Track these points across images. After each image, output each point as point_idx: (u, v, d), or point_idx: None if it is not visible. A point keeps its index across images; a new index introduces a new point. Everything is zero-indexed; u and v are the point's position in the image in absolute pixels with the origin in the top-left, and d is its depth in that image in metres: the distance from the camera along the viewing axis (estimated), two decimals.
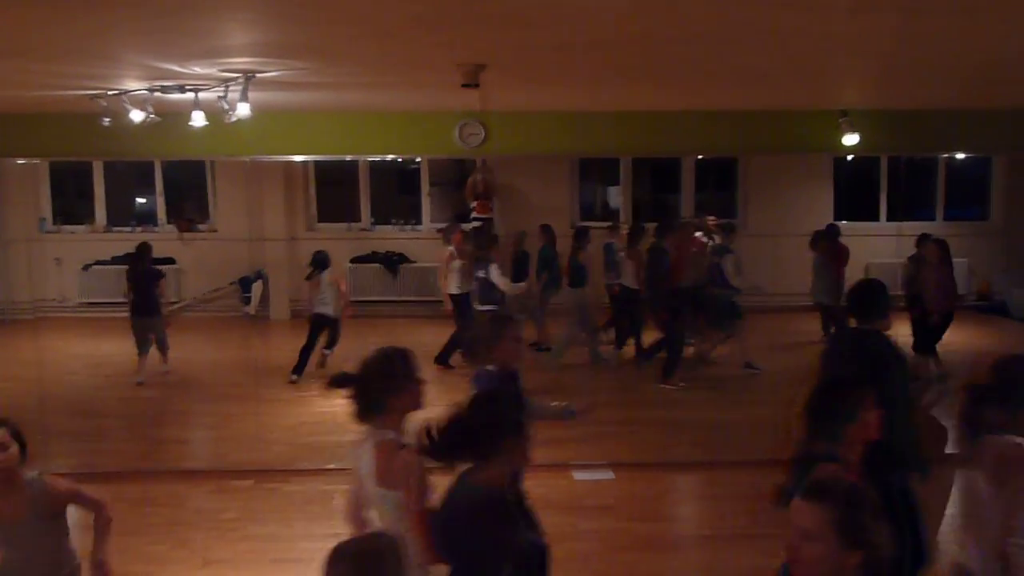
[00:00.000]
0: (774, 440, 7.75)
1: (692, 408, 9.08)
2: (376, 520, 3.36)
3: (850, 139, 8.71)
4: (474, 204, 13.26)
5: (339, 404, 9.50)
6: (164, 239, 14.28)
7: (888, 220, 13.96)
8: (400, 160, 14.51)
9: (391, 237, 14.59)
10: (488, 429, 3.09)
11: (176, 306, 14.13)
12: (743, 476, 6.98)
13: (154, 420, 8.95)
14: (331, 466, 7.60)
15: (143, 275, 10.32)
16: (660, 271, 10.27)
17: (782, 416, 8.17)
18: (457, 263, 10.27)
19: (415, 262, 14.39)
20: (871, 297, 4.67)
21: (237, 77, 5.55)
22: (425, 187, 14.63)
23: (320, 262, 10.35)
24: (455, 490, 3.14)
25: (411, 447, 3.20)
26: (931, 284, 9.37)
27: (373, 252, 14.41)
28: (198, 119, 6.36)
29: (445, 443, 3.06)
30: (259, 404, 9.23)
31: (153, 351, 10.44)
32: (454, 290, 10.26)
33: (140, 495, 7.01)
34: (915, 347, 9.41)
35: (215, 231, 14.38)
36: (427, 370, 10.65)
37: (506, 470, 3.15)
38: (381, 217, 14.89)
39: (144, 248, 10.50)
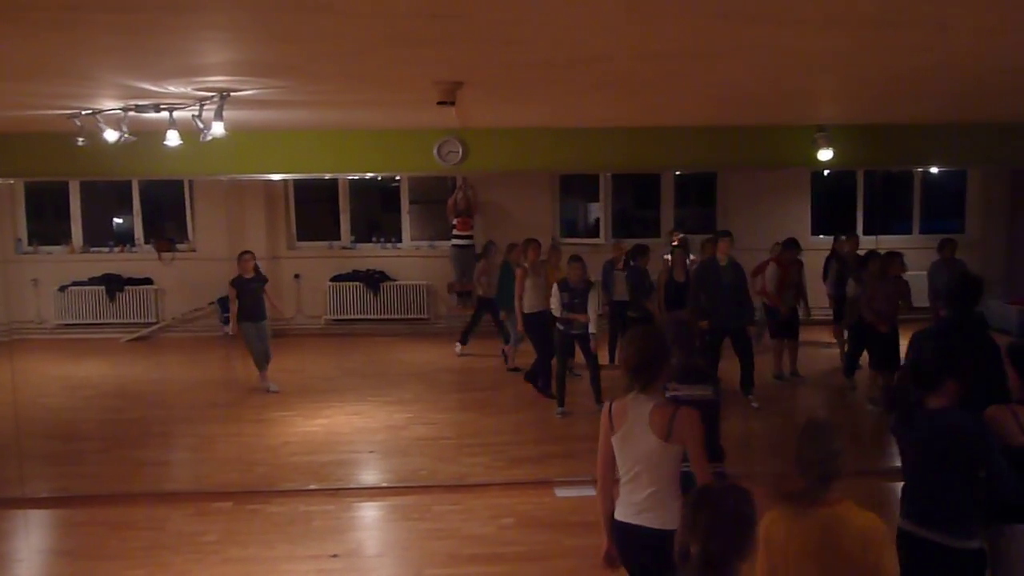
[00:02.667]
0: (760, 453, 7.80)
1: None
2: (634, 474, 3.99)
3: (825, 154, 8.76)
4: (455, 221, 13.28)
5: (320, 424, 9.52)
6: (142, 259, 14.23)
7: (865, 234, 14.03)
8: (380, 178, 14.51)
9: (372, 255, 14.55)
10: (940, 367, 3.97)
11: (155, 327, 14.04)
12: None
13: (133, 442, 8.85)
14: (313, 487, 7.55)
15: (251, 279, 10.26)
16: (643, 288, 10.30)
17: (770, 429, 8.22)
18: (531, 280, 10.08)
19: (396, 280, 14.38)
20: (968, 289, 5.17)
21: (212, 96, 5.51)
22: (405, 205, 14.62)
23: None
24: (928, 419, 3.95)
25: (689, 407, 4.01)
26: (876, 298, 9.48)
27: (354, 270, 14.39)
28: (173, 138, 6.32)
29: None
30: (240, 424, 9.17)
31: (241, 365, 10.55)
32: (528, 309, 10.03)
33: (119, 519, 6.93)
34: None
35: (194, 251, 14.29)
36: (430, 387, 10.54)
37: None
38: (362, 235, 14.86)
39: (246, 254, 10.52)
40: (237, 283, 10.34)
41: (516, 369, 10.87)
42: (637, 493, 3.96)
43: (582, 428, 8.85)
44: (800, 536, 3.08)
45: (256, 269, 10.44)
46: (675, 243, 11.41)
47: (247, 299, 10.25)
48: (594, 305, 9.37)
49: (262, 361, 10.40)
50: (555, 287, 9.40)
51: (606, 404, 4.07)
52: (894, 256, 9.85)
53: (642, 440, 3.90)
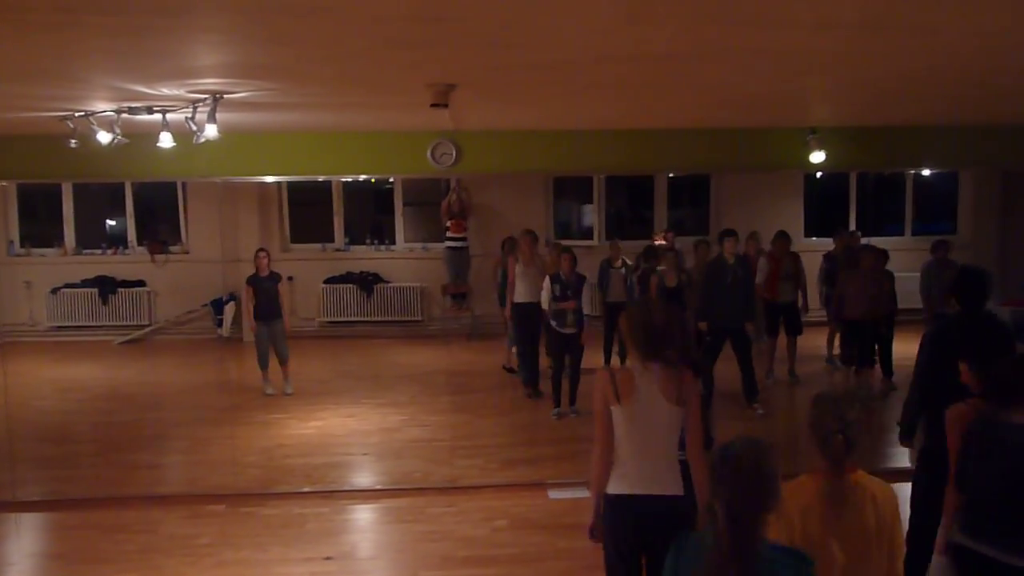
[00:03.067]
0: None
1: None
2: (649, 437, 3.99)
3: (817, 156, 8.79)
4: (449, 223, 13.29)
5: (314, 426, 9.50)
6: (135, 262, 14.21)
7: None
8: (374, 180, 14.51)
9: (365, 257, 14.55)
10: None
11: (148, 329, 14.02)
12: None
13: (126, 445, 8.84)
14: (307, 489, 7.55)
15: (266, 278, 10.23)
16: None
17: (771, 429, 8.22)
18: (522, 269, 10.00)
19: (390, 282, 14.37)
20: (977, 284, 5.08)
21: (205, 98, 5.51)
22: (399, 207, 14.62)
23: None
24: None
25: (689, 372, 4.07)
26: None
27: (347, 272, 14.39)
28: (166, 140, 6.32)
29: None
30: (233, 427, 9.16)
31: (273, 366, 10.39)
32: (518, 298, 10.00)
33: (112, 522, 6.91)
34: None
35: (187, 253, 14.28)
36: (411, 388, 10.56)
37: None
38: (355, 237, 14.86)
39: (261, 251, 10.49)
40: (252, 281, 10.30)
41: (512, 370, 10.86)
42: (647, 464, 3.95)
43: (575, 430, 8.85)
44: (819, 505, 3.10)
45: (270, 267, 10.38)
46: (661, 242, 11.37)
47: (261, 298, 10.20)
48: (587, 298, 9.36)
49: (265, 362, 10.36)
50: (546, 280, 9.36)
51: (605, 372, 4.02)
52: (868, 249, 9.90)
53: (657, 408, 3.92)
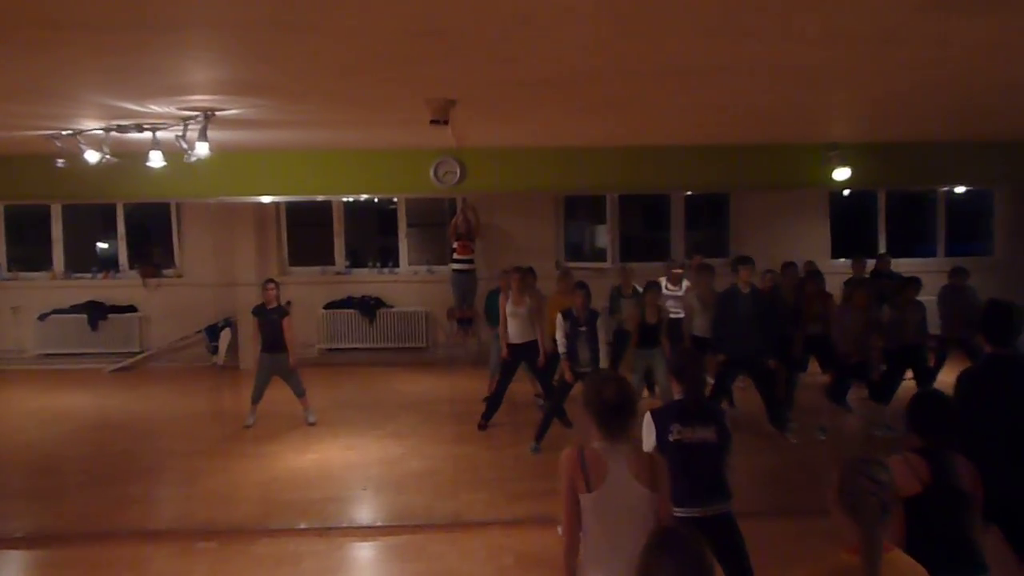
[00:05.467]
0: (774, 490, 7.80)
1: None
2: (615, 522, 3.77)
3: (841, 173, 8.81)
4: (455, 245, 13.35)
5: (311, 459, 9.51)
6: (127, 286, 14.30)
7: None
8: (376, 200, 14.62)
9: (368, 281, 14.62)
10: None
11: (140, 356, 14.10)
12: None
13: (116, 478, 8.87)
14: (302, 525, 7.55)
15: (272, 309, 10.37)
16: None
17: (783, 463, 8.18)
18: (511, 309, 9.98)
19: (393, 307, 14.43)
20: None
21: (196, 115, 5.60)
22: (403, 228, 14.71)
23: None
24: None
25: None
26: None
27: (348, 297, 14.46)
28: (156, 159, 6.41)
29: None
30: (228, 460, 9.19)
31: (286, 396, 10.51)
32: (511, 340, 10.07)
33: (100, 558, 6.93)
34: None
35: (181, 277, 14.39)
36: (413, 416, 10.55)
37: None
38: (357, 260, 14.95)
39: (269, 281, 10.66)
40: (258, 312, 10.41)
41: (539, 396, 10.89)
42: (619, 557, 3.57)
43: None
44: None
45: (278, 300, 10.49)
46: (679, 271, 11.37)
47: (266, 329, 10.32)
48: (602, 336, 9.32)
49: (258, 395, 10.44)
50: (558, 317, 9.34)
51: (574, 451, 3.74)
52: (861, 284, 9.89)
53: (628, 493, 3.68)
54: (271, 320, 10.29)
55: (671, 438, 4.69)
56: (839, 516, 3.03)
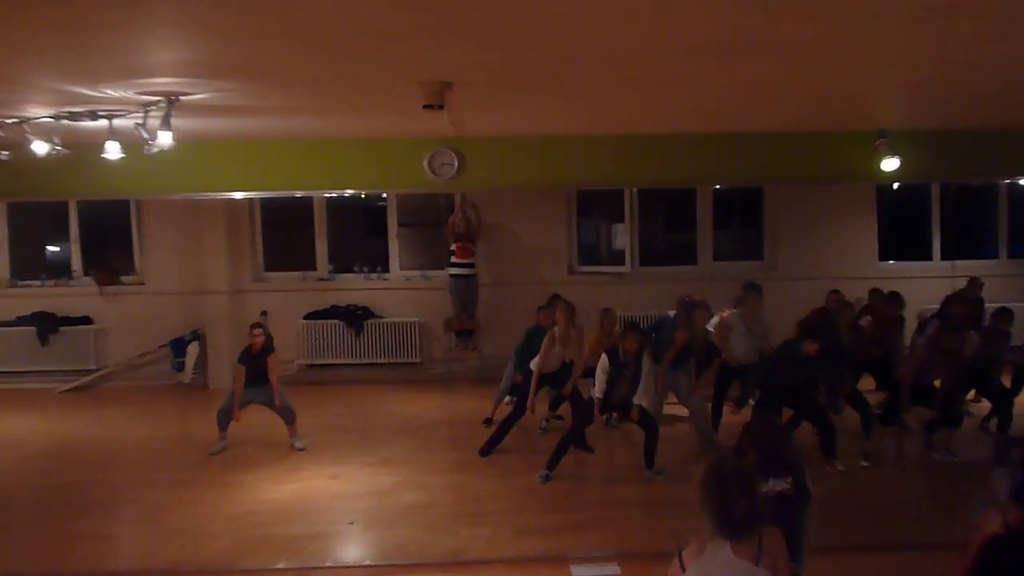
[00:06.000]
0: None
1: None
2: None
3: (889, 164, 8.80)
4: (454, 247, 13.33)
5: (291, 489, 9.48)
6: (81, 295, 14.29)
7: (942, 259, 14.06)
8: (364, 196, 14.61)
9: (354, 288, 14.61)
10: None
11: (96, 374, 14.10)
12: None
13: (68, 512, 8.86)
14: (281, 565, 7.54)
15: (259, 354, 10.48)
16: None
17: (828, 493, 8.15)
18: (557, 347, 9.99)
19: (383, 317, 14.41)
20: None
21: (158, 101, 5.61)
22: (393, 228, 14.70)
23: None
24: None
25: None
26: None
27: (332, 306, 14.43)
28: (112, 150, 6.41)
29: None
30: (195, 490, 9.17)
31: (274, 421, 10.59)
32: (545, 369, 10.07)
33: None
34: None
35: (142, 284, 14.35)
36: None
37: None
38: (342, 264, 14.94)
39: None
40: (244, 359, 10.48)
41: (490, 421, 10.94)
42: None
43: (601, 494, 8.82)
44: None
45: (266, 343, 10.56)
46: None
47: (252, 374, 10.43)
48: (648, 380, 9.43)
49: (227, 419, 10.46)
50: (603, 358, 9.38)
51: (676, 559, 3.89)
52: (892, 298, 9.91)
53: (728, 569, 3.81)
54: (259, 365, 10.38)
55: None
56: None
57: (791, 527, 4.82)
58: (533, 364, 10.03)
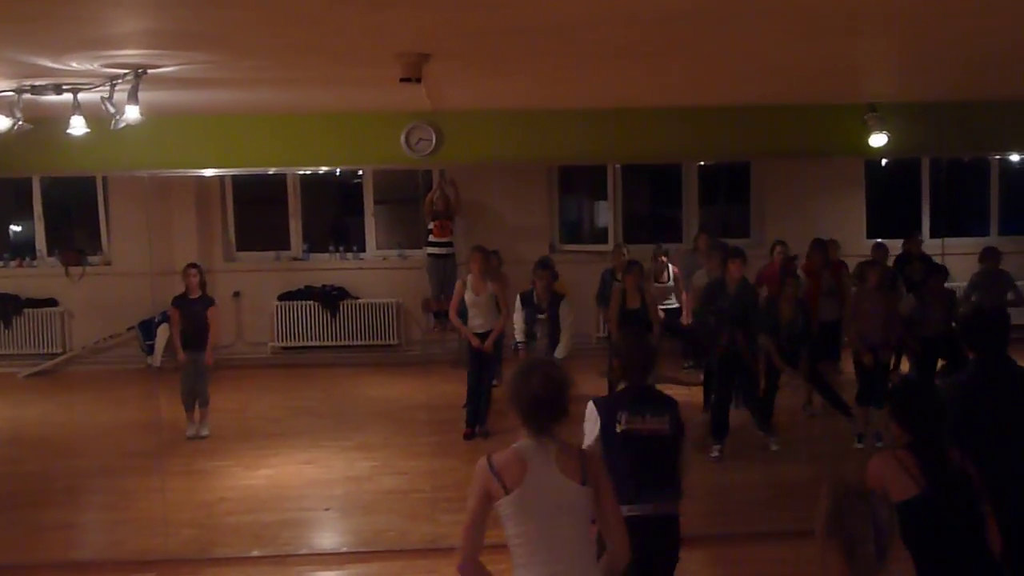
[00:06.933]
0: (792, 507, 7.81)
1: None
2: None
3: (878, 139, 8.83)
4: (432, 225, 13.31)
5: (264, 475, 9.51)
6: (45, 275, 14.21)
7: (932, 236, 14.12)
8: (339, 173, 14.54)
9: (329, 268, 14.57)
10: None
11: (61, 358, 14.03)
12: (759, 551, 7.01)
13: (33, 501, 8.84)
14: (255, 553, 7.56)
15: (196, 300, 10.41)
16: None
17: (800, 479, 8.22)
18: (470, 296, 10.14)
19: (358, 298, 14.38)
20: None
21: (124, 73, 5.56)
22: (369, 206, 14.65)
23: None
24: None
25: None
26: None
27: (307, 286, 14.40)
28: (77, 125, 6.36)
29: None
30: (165, 477, 9.15)
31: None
32: (474, 329, 10.23)
33: None
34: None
35: (109, 264, 14.30)
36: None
37: None
38: (316, 244, 14.89)
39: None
40: (179, 303, 10.39)
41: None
42: (554, 558, 3.82)
43: None
44: None
45: (203, 288, 10.48)
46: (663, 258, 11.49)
47: (188, 323, 10.31)
48: (567, 324, 9.53)
49: (191, 400, 10.44)
50: (516, 301, 9.51)
51: (483, 460, 3.91)
52: (872, 265, 9.93)
53: (554, 489, 3.83)
54: (195, 312, 10.31)
55: (618, 428, 4.83)
56: (829, 554, 3.05)
57: (671, 466, 4.95)
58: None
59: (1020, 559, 4.69)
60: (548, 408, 3.84)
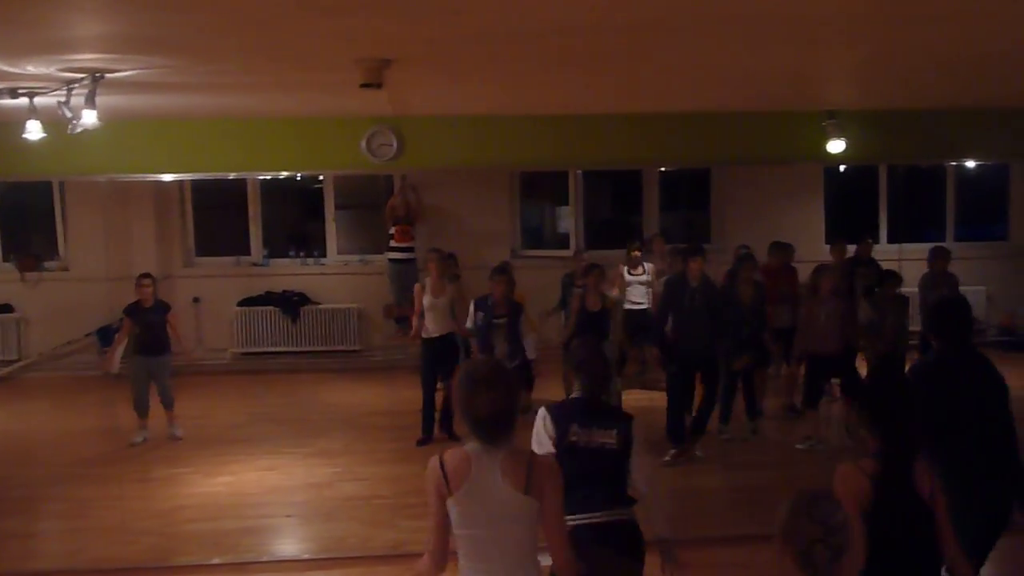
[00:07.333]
0: (759, 510, 7.87)
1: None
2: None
3: (835, 146, 8.92)
4: (393, 231, 13.30)
5: (224, 482, 9.45)
6: (1, 281, 14.07)
7: (889, 241, 14.31)
8: (300, 178, 14.49)
9: (289, 273, 14.53)
10: None
11: (16, 365, 13.87)
12: (716, 555, 7.05)
13: None
14: (215, 560, 7.51)
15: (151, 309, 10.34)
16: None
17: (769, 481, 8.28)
18: (428, 299, 10.06)
19: (319, 303, 14.35)
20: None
21: (82, 78, 5.52)
22: (330, 211, 14.61)
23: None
24: None
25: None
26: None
27: (267, 292, 14.35)
28: (34, 130, 6.31)
29: None
30: (123, 485, 9.09)
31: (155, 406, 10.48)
32: (427, 333, 10.21)
33: None
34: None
35: (66, 270, 14.17)
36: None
37: None
38: (276, 249, 14.83)
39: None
40: (133, 312, 10.32)
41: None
42: (489, 567, 3.83)
43: None
44: None
45: (156, 296, 10.43)
46: (636, 254, 11.56)
47: (145, 333, 10.26)
48: (530, 334, 9.68)
49: (143, 405, 10.37)
50: (471, 306, 9.55)
51: (435, 459, 3.91)
52: (826, 271, 10.05)
53: (494, 495, 3.79)
54: (150, 321, 10.26)
55: (568, 439, 4.80)
56: (785, 561, 3.09)
57: (618, 479, 4.90)
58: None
59: (987, 534, 4.95)
60: (496, 420, 3.78)
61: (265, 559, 7.64)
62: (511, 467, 3.79)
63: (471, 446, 3.85)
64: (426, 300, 10.02)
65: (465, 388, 3.82)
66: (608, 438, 4.84)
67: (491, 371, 3.90)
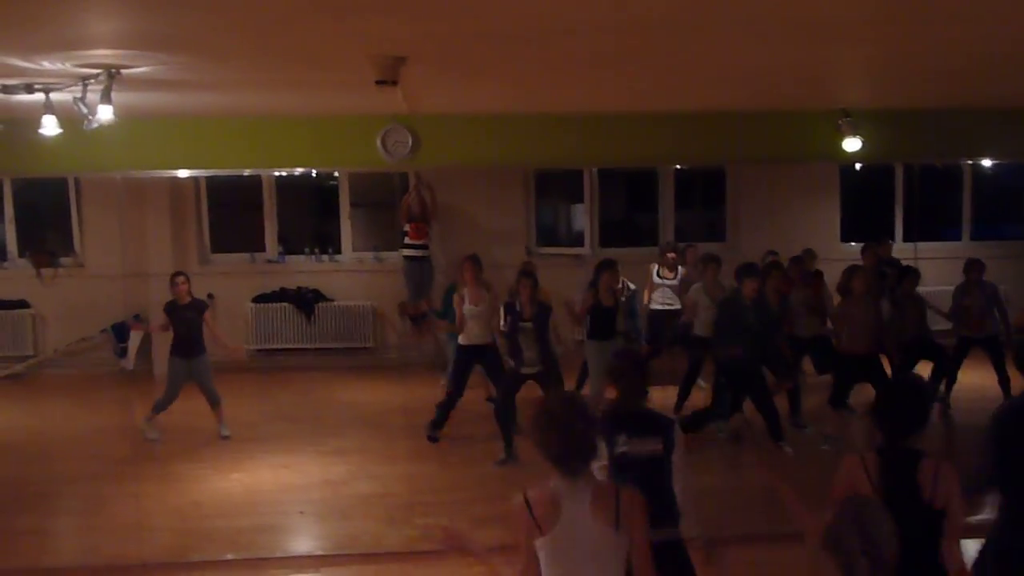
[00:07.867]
0: (767, 511, 7.85)
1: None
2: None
3: (851, 144, 8.87)
4: (407, 228, 13.29)
5: (239, 480, 9.46)
6: (16, 278, 14.10)
7: (905, 240, 14.24)
8: (315, 176, 14.52)
9: (304, 270, 14.54)
10: None
11: (32, 361, 13.92)
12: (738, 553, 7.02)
13: (7, 507, 8.75)
14: (230, 557, 7.53)
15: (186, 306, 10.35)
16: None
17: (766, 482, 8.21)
18: (468, 309, 9.94)
19: (334, 300, 14.36)
20: None
21: (98, 74, 5.53)
22: (345, 208, 14.63)
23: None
24: None
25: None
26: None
27: (282, 289, 14.36)
28: (49, 126, 6.32)
29: None
30: (139, 483, 9.11)
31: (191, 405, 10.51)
32: (464, 341, 10.16)
33: None
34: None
35: (82, 266, 14.20)
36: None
37: None
38: (291, 246, 14.85)
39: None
40: (170, 310, 10.35)
41: (491, 399, 10.88)
42: None
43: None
44: None
45: (191, 294, 10.45)
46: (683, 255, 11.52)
47: (181, 330, 10.27)
48: (559, 335, 9.61)
49: (167, 404, 10.38)
50: (500, 311, 9.50)
51: (520, 498, 3.78)
52: (858, 271, 9.97)
53: (588, 535, 3.72)
54: (188, 319, 10.24)
55: (616, 450, 4.72)
56: (825, 563, 3.05)
57: (667, 488, 4.83)
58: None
59: None
60: (575, 456, 3.72)
61: (279, 556, 7.66)
62: (600, 503, 3.73)
63: (555, 483, 3.75)
64: (466, 309, 9.95)
65: (543, 422, 3.76)
66: (656, 444, 4.80)
67: (565, 407, 3.82)
